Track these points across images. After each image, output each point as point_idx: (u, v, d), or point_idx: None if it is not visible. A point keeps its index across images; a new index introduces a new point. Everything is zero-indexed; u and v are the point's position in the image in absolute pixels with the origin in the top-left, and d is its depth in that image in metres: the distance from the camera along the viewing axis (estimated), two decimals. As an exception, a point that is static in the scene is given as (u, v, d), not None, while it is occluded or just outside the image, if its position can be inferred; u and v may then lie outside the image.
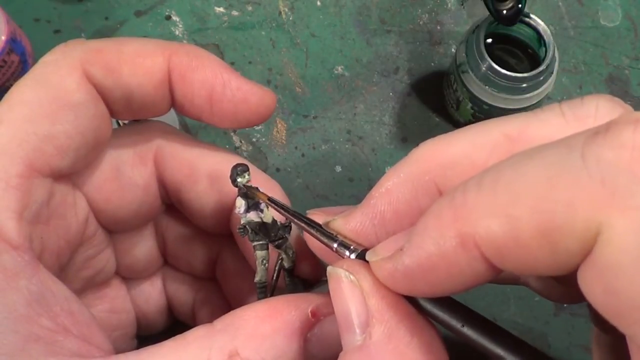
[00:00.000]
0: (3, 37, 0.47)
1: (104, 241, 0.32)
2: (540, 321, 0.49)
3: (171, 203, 0.34)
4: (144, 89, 0.28)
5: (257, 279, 0.29)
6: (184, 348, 0.23)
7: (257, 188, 0.28)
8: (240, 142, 0.53)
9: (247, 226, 0.28)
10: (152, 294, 0.37)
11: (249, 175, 0.28)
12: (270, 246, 0.29)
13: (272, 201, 0.27)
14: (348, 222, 0.24)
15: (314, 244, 0.26)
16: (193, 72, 0.28)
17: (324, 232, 0.25)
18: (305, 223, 0.25)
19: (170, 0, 0.56)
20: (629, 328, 0.16)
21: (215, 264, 0.36)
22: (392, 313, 0.21)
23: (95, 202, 0.30)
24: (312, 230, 0.25)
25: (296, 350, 0.24)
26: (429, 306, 0.22)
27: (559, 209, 0.16)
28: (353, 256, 0.23)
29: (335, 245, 0.24)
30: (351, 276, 0.22)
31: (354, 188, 0.52)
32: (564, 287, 0.26)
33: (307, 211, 0.27)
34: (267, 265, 0.29)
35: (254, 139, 0.53)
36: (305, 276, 0.31)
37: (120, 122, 0.45)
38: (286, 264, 0.30)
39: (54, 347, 0.22)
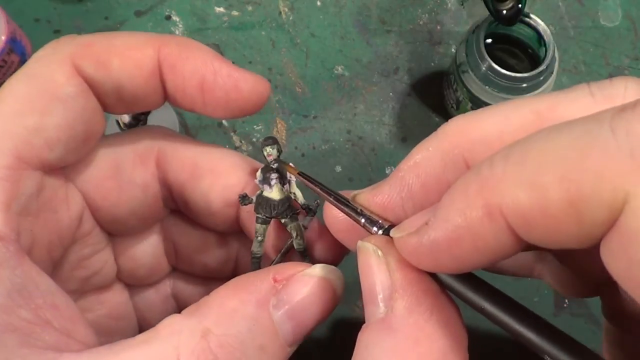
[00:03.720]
0: (3, 37, 0.47)
1: (101, 242, 0.32)
2: (540, 321, 0.49)
3: (177, 209, 0.33)
4: (134, 81, 0.28)
5: (252, 249, 0.30)
6: (155, 337, 0.23)
7: (288, 163, 0.30)
8: (241, 142, 0.53)
9: (247, 195, 0.29)
10: (155, 301, 0.36)
11: (279, 147, 0.30)
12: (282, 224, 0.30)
13: (302, 175, 0.28)
14: (375, 195, 0.24)
15: (334, 225, 0.27)
16: (183, 62, 0.28)
17: (352, 207, 0.25)
18: (334, 197, 0.26)
19: (170, 0, 0.56)
20: None
21: (231, 263, 0.35)
22: (414, 289, 0.21)
23: (92, 199, 0.30)
24: (340, 206, 0.26)
25: (268, 317, 0.24)
26: (451, 282, 0.22)
27: (588, 178, 0.16)
28: (380, 232, 0.24)
29: (362, 220, 0.24)
30: (379, 251, 0.22)
31: (354, 188, 0.51)
32: (578, 277, 0.27)
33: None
34: (261, 238, 0.30)
35: (254, 139, 0.53)
36: (321, 260, 0.31)
37: (122, 127, 0.46)
38: (295, 246, 0.30)
39: (30, 338, 0.22)
